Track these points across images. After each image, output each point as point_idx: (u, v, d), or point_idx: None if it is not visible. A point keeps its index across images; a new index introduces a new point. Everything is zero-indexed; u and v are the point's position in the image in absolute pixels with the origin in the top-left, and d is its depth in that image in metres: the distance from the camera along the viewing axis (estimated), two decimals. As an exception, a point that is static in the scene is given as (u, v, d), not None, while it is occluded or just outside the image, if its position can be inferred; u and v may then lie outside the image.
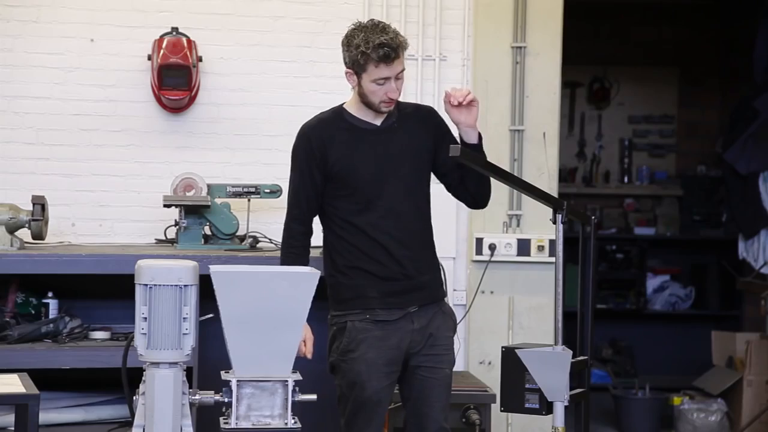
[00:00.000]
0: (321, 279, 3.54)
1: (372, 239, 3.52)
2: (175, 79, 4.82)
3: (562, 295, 3.24)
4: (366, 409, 3.48)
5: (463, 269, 5.06)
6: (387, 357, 3.50)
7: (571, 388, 3.23)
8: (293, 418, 2.60)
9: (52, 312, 4.43)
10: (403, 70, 3.48)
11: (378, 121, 3.59)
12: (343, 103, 3.66)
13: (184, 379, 2.60)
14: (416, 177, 3.59)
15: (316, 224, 3.70)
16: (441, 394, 3.58)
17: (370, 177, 3.52)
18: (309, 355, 3.53)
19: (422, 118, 3.68)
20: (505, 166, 5.03)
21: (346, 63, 3.51)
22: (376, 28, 3.45)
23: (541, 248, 5.09)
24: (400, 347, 3.52)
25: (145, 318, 2.54)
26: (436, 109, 3.83)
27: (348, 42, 3.48)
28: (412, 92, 5.05)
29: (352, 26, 3.52)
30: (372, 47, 3.40)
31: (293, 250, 3.61)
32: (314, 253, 4.54)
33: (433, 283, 3.63)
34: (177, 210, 4.66)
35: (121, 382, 2.81)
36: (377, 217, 3.53)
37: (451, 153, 3.07)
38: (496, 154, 5.05)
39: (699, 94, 8.63)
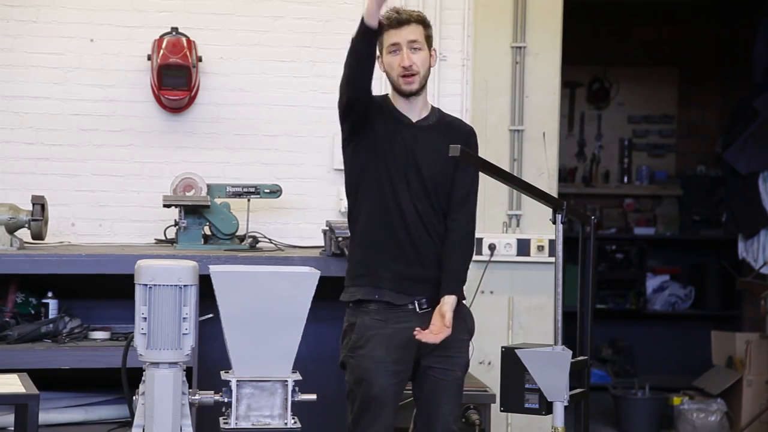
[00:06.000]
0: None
1: (400, 216, 3.54)
2: (175, 79, 4.82)
3: (561, 295, 3.24)
4: (373, 406, 3.49)
5: (462, 269, 5.06)
6: (396, 355, 3.50)
7: (571, 388, 3.23)
8: (293, 418, 2.60)
9: (52, 312, 4.42)
10: (416, 41, 3.54)
11: (413, 118, 3.63)
12: (387, 94, 3.71)
13: (184, 379, 2.60)
14: (438, 179, 3.59)
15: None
16: (451, 396, 3.59)
17: (394, 163, 3.55)
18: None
19: (460, 132, 3.70)
20: (505, 166, 5.03)
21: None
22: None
23: (540, 248, 5.09)
24: (410, 346, 3.52)
25: (145, 318, 2.54)
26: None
27: None
28: (411, 92, 5.05)
29: None
30: (384, 17, 3.50)
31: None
32: (314, 253, 4.56)
33: None
34: (177, 210, 4.66)
35: (121, 382, 2.81)
36: (407, 199, 3.55)
37: (451, 153, 3.06)
38: (496, 154, 5.05)
39: (699, 94, 8.63)
